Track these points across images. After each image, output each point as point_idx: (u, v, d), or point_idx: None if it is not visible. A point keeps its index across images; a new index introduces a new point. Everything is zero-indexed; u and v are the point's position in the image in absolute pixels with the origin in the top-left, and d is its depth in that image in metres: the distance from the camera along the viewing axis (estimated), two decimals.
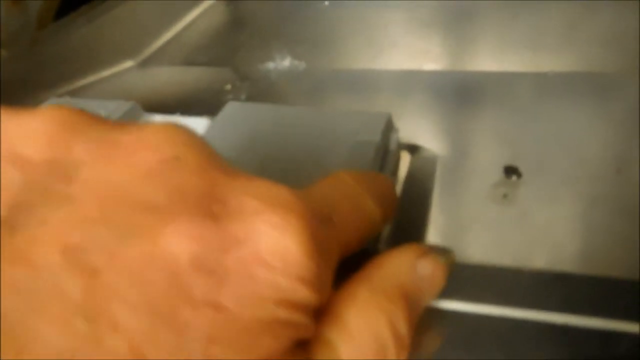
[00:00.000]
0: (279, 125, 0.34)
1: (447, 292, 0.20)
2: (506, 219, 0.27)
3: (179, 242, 0.12)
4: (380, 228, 0.19)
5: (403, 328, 0.15)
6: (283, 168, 0.30)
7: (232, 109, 0.36)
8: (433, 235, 0.26)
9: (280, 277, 0.13)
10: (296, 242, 0.13)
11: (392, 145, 0.33)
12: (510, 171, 0.30)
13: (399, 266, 0.16)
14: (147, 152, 0.13)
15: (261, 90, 0.47)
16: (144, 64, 0.54)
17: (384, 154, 0.32)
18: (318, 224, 0.14)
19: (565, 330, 0.19)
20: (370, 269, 0.17)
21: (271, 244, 0.13)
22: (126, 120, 0.33)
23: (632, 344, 0.18)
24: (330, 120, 0.33)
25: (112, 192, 0.13)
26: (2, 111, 0.14)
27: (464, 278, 0.21)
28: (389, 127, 0.33)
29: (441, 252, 0.17)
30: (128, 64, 0.54)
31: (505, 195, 0.28)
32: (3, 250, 0.12)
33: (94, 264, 0.12)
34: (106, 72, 0.52)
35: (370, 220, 0.17)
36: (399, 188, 0.32)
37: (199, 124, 0.37)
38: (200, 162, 0.14)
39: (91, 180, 0.13)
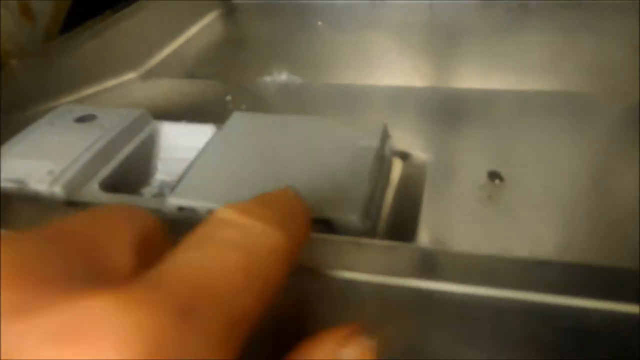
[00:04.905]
0: (284, 133, 0.36)
1: (437, 275, 0.23)
2: (491, 216, 0.29)
3: None
4: (299, 250, 0.17)
5: None
6: (290, 173, 0.32)
7: (238, 119, 0.39)
8: (425, 231, 0.29)
9: None
10: None
11: (387, 152, 0.36)
12: (494, 176, 0.33)
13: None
14: None
15: (260, 102, 0.50)
16: (147, 75, 0.57)
17: (381, 159, 0.35)
18: (169, 330, 0.11)
19: (543, 308, 0.22)
20: None
21: None
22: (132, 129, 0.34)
23: (603, 320, 0.21)
24: (331, 128, 0.36)
25: None
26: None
27: (454, 263, 0.24)
28: (385, 135, 0.36)
29: (365, 333, 0.15)
30: (131, 75, 0.56)
31: (489, 197, 0.31)
32: None
33: None
34: (110, 83, 0.54)
35: (273, 251, 0.15)
36: (391, 191, 0.35)
37: (205, 131, 0.39)
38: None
39: None
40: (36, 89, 0.50)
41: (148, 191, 0.39)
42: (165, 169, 0.40)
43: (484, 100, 0.47)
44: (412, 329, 0.21)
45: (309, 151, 0.34)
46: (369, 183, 0.31)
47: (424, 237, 0.28)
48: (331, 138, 0.35)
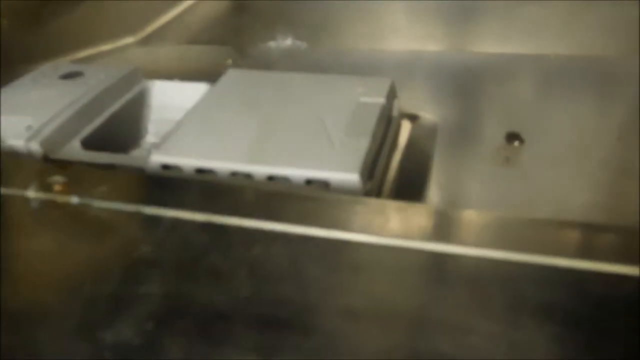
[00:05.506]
0: (281, 90, 0.33)
1: (447, 237, 0.20)
2: (508, 178, 0.26)
3: None
4: None
5: None
6: (285, 130, 0.29)
7: (232, 76, 0.36)
8: (434, 191, 0.26)
9: None
10: None
11: (394, 112, 0.33)
12: (513, 137, 0.30)
13: None
14: None
15: (262, 66, 0.47)
16: (145, 41, 0.54)
17: (388, 119, 0.32)
18: None
19: (564, 272, 0.19)
20: None
21: None
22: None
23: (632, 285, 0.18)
24: (333, 85, 0.33)
25: None
26: None
27: (463, 225, 0.21)
28: (392, 93, 0.33)
29: None
30: (129, 40, 0.53)
31: (507, 159, 0.28)
32: None
33: None
34: (106, 47, 0.51)
35: None
36: (399, 153, 0.32)
37: (197, 89, 0.36)
38: None
39: None
40: (27, 51, 0.48)
41: (137, 153, 0.36)
42: (156, 130, 0.37)
43: (501, 64, 0.44)
44: (416, 293, 0.18)
45: (307, 108, 0.31)
46: (372, 141, 0.28)
47: (434, 198, 0.25)
48: (333, 95, 0.32)
